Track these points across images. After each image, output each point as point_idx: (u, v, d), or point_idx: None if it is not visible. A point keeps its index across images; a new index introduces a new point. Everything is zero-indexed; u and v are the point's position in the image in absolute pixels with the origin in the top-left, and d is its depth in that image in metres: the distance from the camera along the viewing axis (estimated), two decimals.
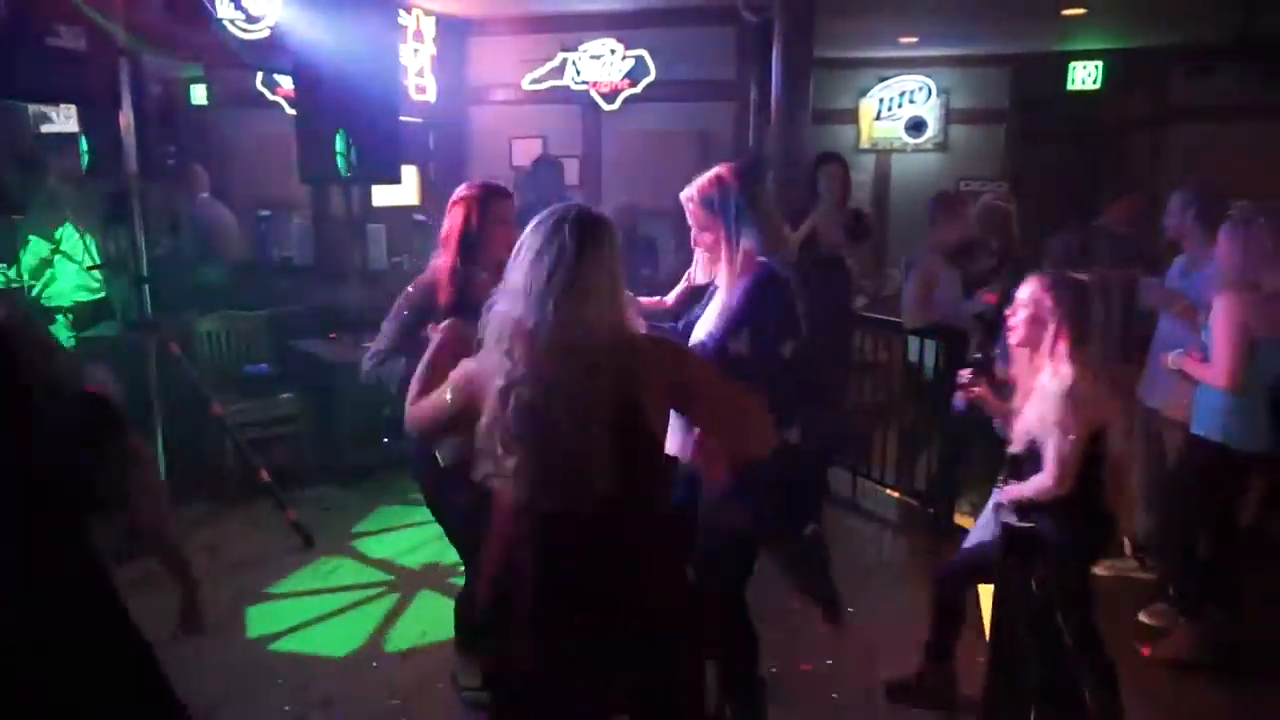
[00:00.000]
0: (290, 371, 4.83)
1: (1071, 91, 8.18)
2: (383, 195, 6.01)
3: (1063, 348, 2.26)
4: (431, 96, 6.94)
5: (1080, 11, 6.49)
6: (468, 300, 2.25)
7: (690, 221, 2.36)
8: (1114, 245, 4.19)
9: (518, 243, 1.55)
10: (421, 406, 1.72)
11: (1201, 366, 2.99)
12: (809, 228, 4.26)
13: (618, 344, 1.50)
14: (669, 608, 1.57)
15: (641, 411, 1.49)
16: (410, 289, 2.63)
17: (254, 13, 5.07)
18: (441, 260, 2.57)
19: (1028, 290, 2.38)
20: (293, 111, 5.16)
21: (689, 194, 2.34)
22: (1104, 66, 8.02)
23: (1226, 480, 3.07)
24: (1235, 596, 3.25)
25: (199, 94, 7.33)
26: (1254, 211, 2.97)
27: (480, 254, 2.51)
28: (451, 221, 2.57)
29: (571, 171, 6.80)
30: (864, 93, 8.79)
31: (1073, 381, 2.22)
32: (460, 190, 2.61)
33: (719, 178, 2.31)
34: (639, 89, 6.88)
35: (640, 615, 1.53)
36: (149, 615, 3.35)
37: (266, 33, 5.18)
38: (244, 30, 5.08)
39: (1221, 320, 2.87)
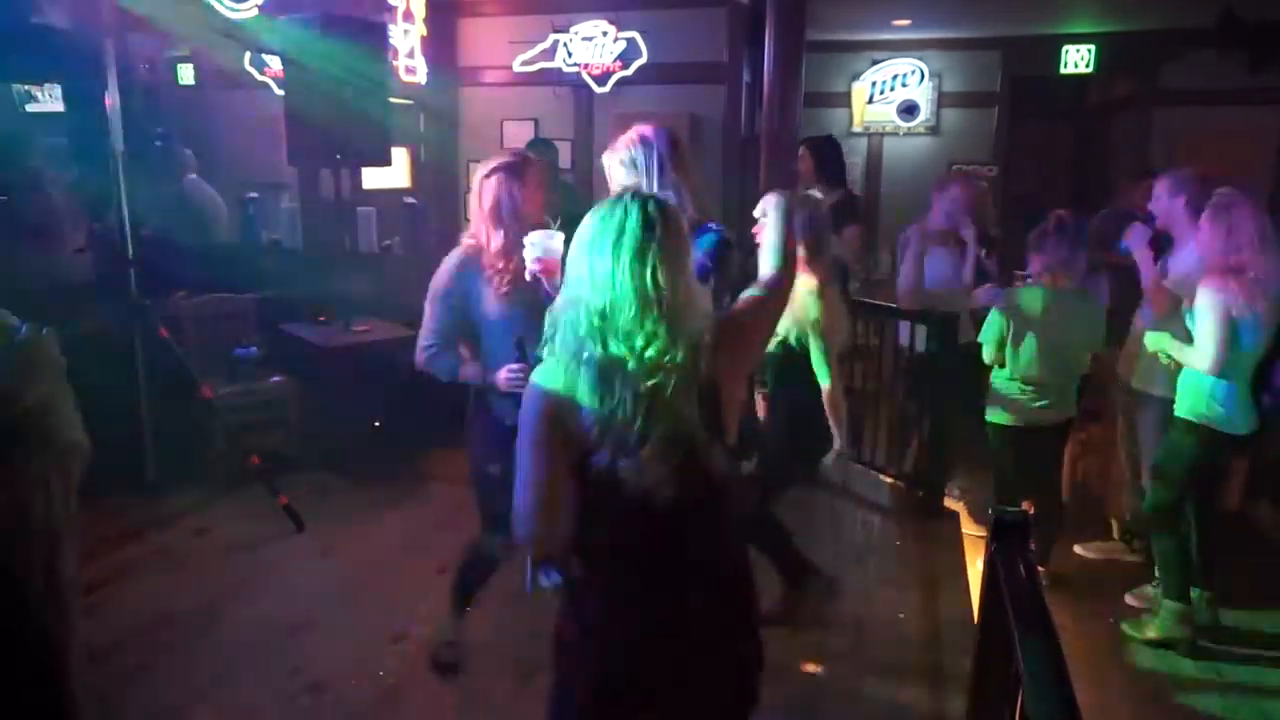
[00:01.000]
0: (279, 355, 4.81)
1: (1063, 74, 8.17)
2: (373, 178, 5.98)
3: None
4: (422, 78, 6.88)
5: None
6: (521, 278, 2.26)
7: (609, 182, 2.33)
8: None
9: (584, 229, 1.48)
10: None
11: (1186, 350, 3.01)
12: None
13: (707, 322, 1.49)
14: (749, 579, 1.64)
15: (722, 388, 1.49)
16: (445, 270, 2.51)
17: None
18: (486, 235, 2.47)
19: None
20: (281, 92, 5.11)
21: (610, 153, 2.36)
22: (1097, 49, 8.01)
23: (1209, 463, 3.10)
24: (1218, 578, 3.29)
25: (186, 74, 7.26)
26: (1236, 197, 2.98)
27: (525, 225, 2.41)
28: (494, 194, 2.46)
29: (563, 154, 6.76)
30: (856, 76, 8.76)
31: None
32: (494, 162, 2.52)
33: (641, 136, 2.30)
34: (631, 71, 6.83)
35: (745, 588, 1.60)
36: (153, 595, 3.38)
37: (255, 13, 5.13)
38: (232, 10, 5.02)
39: (1205, 304, 2.89)
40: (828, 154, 4.77)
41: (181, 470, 4.29)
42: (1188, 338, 3.02)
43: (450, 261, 2.50)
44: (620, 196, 1.47)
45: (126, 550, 3.71)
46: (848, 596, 3.43)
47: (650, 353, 1.39)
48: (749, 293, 1.65)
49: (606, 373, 1.40)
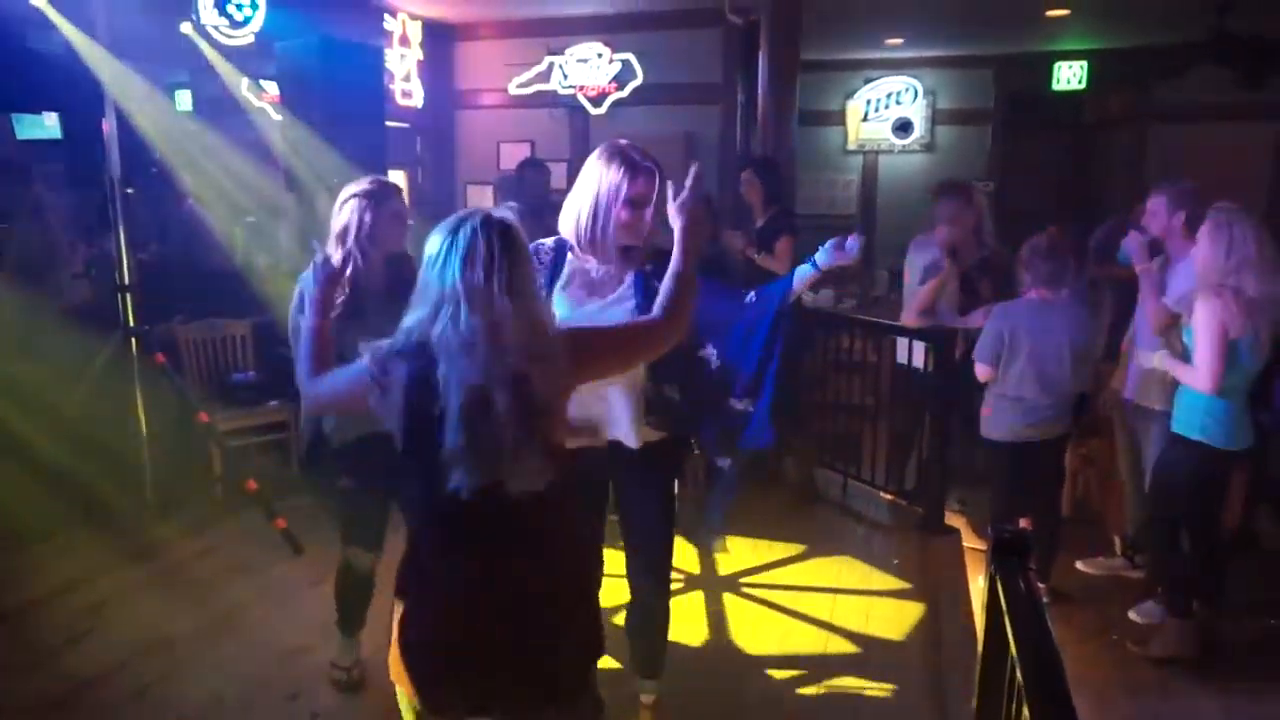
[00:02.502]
0: (277, 379, 4.81)
1: (1056, 91, 8.23)
2: None
3: None
4: (418, 101, 6.94)
5: (1064, 12, 6.54)
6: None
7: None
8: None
9: (432, 247, 1.55)
10: (333, 388, 1.74)
11: (1184, 368, 3.00)
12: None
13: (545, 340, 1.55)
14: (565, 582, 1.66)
15: (551, 401, 1.54)
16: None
17: (238, 19, 5.05)
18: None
19: None
20: (278, 117, 5.14)
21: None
22: (1088, 66, 8.07)
23: (1208, 479, 3.09)
24: (1221, 594, 3.27)
25: (184, 100, 7.29)
26: (1236, 212, 2.97)
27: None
28: (346, 218, 2.62)
29: (559, 175, 6.80)
30: (851, 94, 8.82)
31: None
32: (356, 187, 2.63)
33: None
34: (626, 92, 6.89)
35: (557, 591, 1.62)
36: (152, 618, 3.35)
37: (251, 38, 5.17)
38: (228, 37, 5.06)
39: (1203, 322, 2.88)
40: (769, 174, 4.81)
41: (180, 495, 4.27)
42: (1185, 354, 3.02)
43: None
44: (462, 216, 1.56)
45: (125, 574, 3.69)
46: (850, 614, 3.42)
47: (470, 358, 1.46)
48: (633, 321, 1.74)
49: (424, 374, 1.49)
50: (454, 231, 1.53)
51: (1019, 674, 1.32)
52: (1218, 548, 3.29)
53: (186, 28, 4.86)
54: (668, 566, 2.51)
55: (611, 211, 2.13)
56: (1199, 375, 2.91)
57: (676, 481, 2.60)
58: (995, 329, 3.42)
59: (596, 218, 2.15)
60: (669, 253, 1.92)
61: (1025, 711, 1.29)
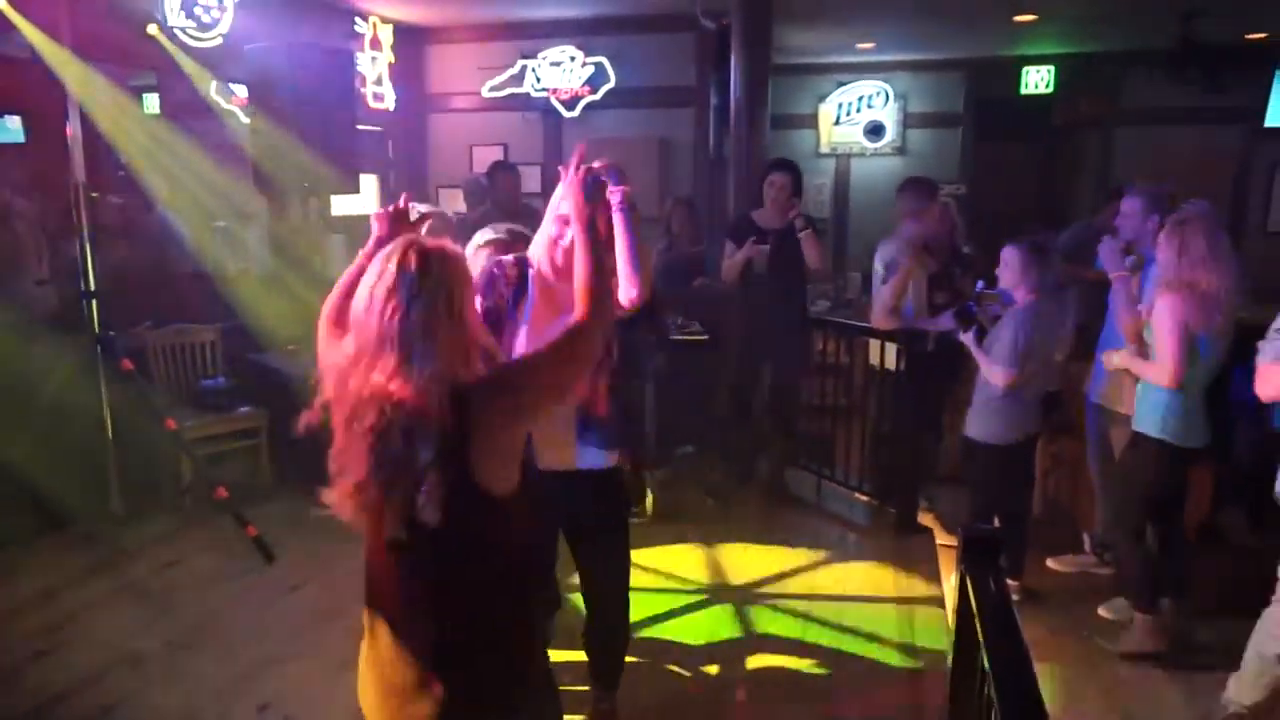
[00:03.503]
0: (248, 385, 4.76)
1: (1025, 95, 8.34)
2: (342, 205, 5.95)
3: None
4: (390, 104, 6.89)
5: (1031, 18, 6.63)
6: None
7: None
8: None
9: (370, 274, 1.49)
10: None
11: (1145, 365, 3.06)
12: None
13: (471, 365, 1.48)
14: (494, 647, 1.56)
15: (477, 432, 1.45)
16: None
17: (206, 21, 4.99)
18: None
19: None
20: (248, 121, 5.09)
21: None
22: (1055, 70, 8.18)
23: (1170, 476, 3.14)
24: (1188, 589, 3.32)
25: (151, 103, 7.19)
26: (1190, 213, 3.04)
27: None
28: None
29: (533, 179, 6.78)
30: (823, 98, 8.88)
31: None
32: None
33: None
34: (599, 96, 6.89)
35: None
36: (120, 630, 3.30)
37: (219, 41, 5.11)
38: (196, 39, 5.00)
39: (1163, 320, 2.94)
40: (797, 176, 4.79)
41: (148, 503, 4.22)
42: (1147, 353, 3.07)
43: None
44: (396, 245, 1.49)
45: (92, 585, 3.63)
46: (826, 612, 3.43)
47: (374, 383, 1.41)
48: (555, 336, 1.59)
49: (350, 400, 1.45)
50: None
51: (989, 670, 1.34)
52: (1183, 544, 3.35)
53: (153, 29, 4.79)
54: (627, 587, 2.53)
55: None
56: (1160, 370, 2.96)
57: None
58: (1015, 333, 3.41)
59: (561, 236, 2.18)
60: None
61: (994, 709, 1.30)
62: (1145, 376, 3.07)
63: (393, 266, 1.44)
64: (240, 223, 6.38)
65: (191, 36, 4.98)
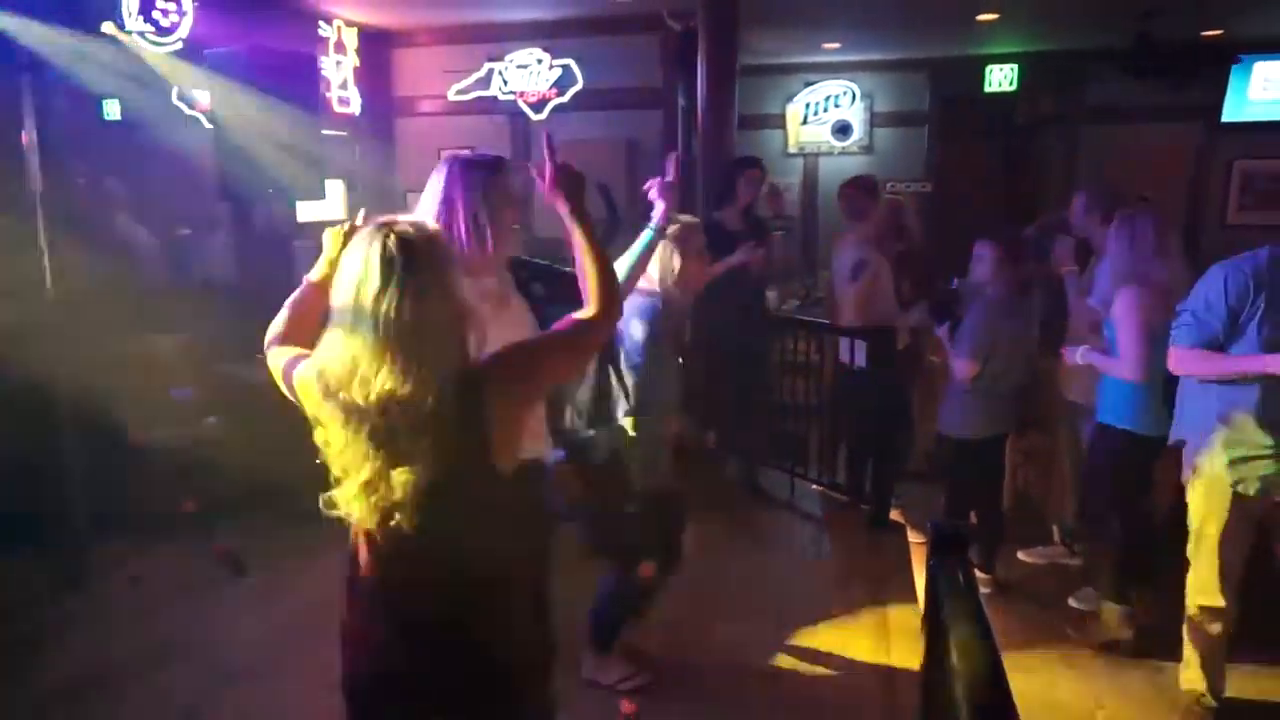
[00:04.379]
0: (216, 396, 4.69)
1: (989, 93, 8.44)
2: (308, 211, 5.89)
3: None
4: (356, 109, 6.84)
5: (993, 17, 6.70)
6: None
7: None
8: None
9: (351, 271, 1.43)
10: None
11: (1109, 360, 3.11)
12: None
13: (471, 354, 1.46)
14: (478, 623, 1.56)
15: (490, 421, 1.45)
16: None
17: (165, 25, 4.92)
18: None
19: None
20: (211, 126, 5.02)
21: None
22: (1019, 69, 8.29)
23: (1134, 467, 3.20)
24: (1154, 578, 3.37)
25: (112, 109, 7.08)
26: (1139, 210, 3.14)
27: None
28: None
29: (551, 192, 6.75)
30: (790, 98, 8.93)
31: None
32: None
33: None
34: (567, 98, 6.87)
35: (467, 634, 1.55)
36: (87, 649, 3.24)
37: (179, 45, 5.04)
38: (155, 43, 4.92)
39: (1122, 314, 3.00)
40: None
41: (113, 519, 4.13)
42: (1108, 347, 3.12)
43: None
44: (373, 229, 1.43)
45: (58, 607, 3.56)
46: (800, 611, 3.45)
47: (378, 388, 1.36)
48: (562, 323, 1.59)
49: (347, 407, 1.41)
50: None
51: (957, 663, 1.35)
52: (1150, 533, 3.40)
53: (109, 27, 4.68)
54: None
55: (498, 218, 2.04)
56: (1125, 365, 3.01)
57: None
58: (979, 326, 3.46)
59: (482, 230, 2.03)
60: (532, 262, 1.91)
61: (963, 699, 1.32)
62: (1109, 371, 3.12)
63: (376, 260, 1.38)
64: (204, 230, 6.30)
65: (151, 41, 4.91)
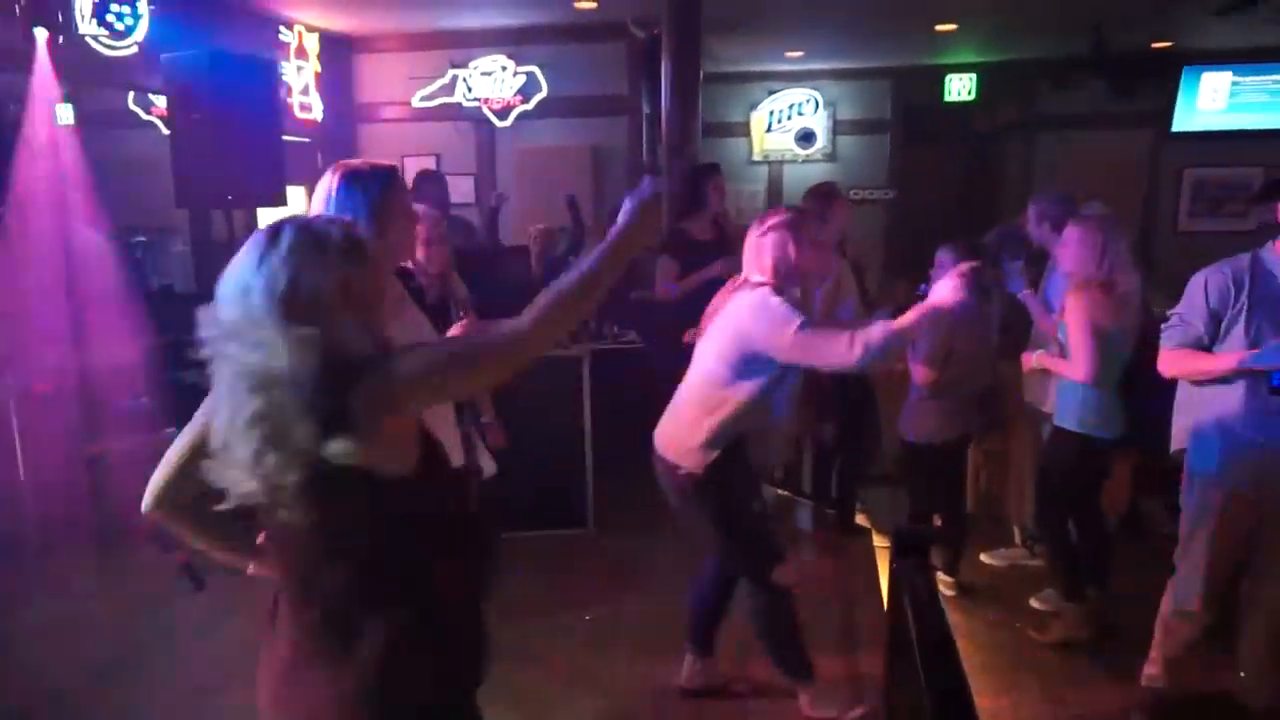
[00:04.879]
0: (174, 405, 4.59)
1: (949, 102, 8.58)
2: (268, 218, 5.81)
3: None
4: (318, 115, 6.77)
5: (951, 27, 6.82)
6: None
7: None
8: (1020, 246, 4.48)
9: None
10: None
11: (1062, 363, 3.17)
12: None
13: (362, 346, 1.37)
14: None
15: (371, 418, 1.35)
16: None
17: (119, 29, 4.83)
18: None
19: None
20: (168, 131, 4.94)
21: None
22: (977, 79, 8.44)
23: (1089, 468, 3.26)
24: (1109, 577, 3.43)
25: (65, 113, 6.93)
26: (1095, 215, 3.21)
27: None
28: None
29: (467, 188, 6.73)
30: (754, 106, 9.00)
31: None
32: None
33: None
34: (531, 105, 6.87)
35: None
36: (43, 668, 3.15)
37: (135, 49, 4.95)
38: (109, 47, 4.83)
39: (1073, 318, 3.06)
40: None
41: (69, 533, 4.04)
42: (1062, 351, 3.19)
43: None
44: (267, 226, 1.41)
45: (11, 622, 3.47)
46: None
47: (262, 365, 1.32)
48: (463, 341, 1.48)
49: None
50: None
51: (920, 666, 1.36)
52: (1104, 533, 3.47)
53: (40, 34, 4.54)
54: None
55: (386, 229, 2.00)
56: (1077, 367, 3.07)
57: None
58: (935, 332, 3.49)
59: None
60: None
61: (926, 699, 1.33)
62: (1063, 374, 3.19)
63: (255, 240, 1.38)
64: (162, 238, 6.20)
65: (105, 45, 4.81)
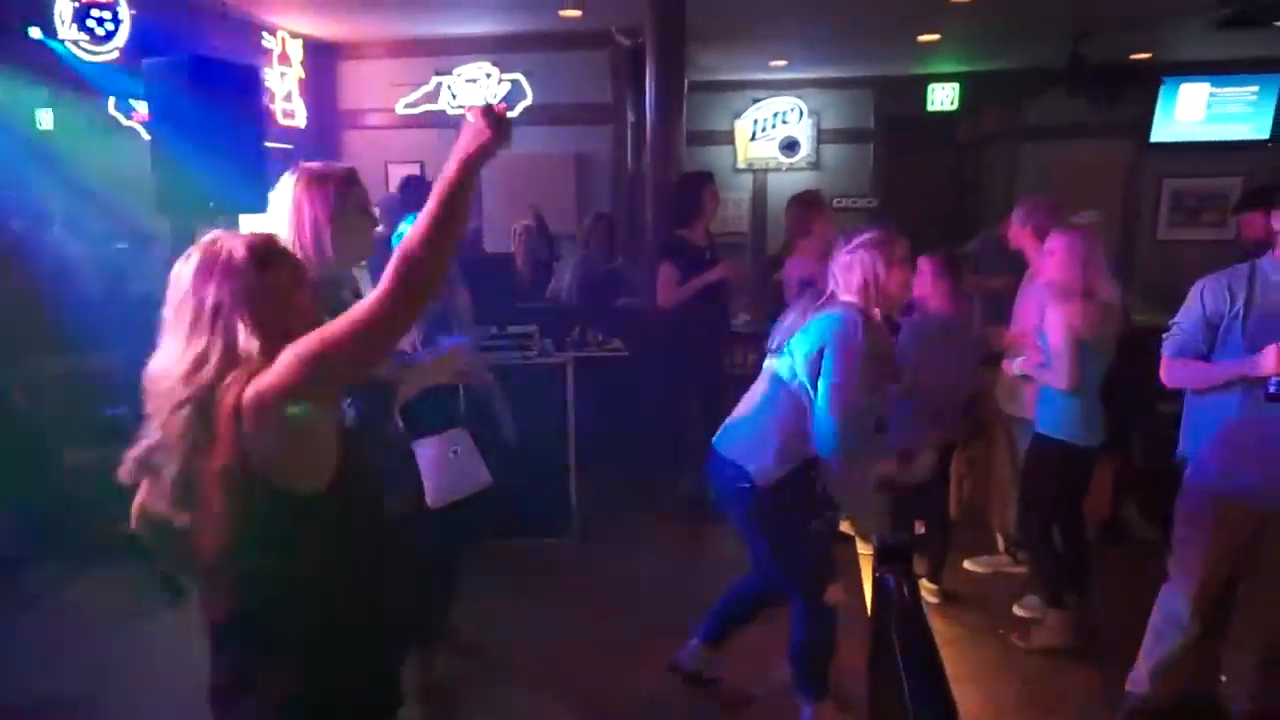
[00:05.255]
0: None
1: (931, 111, 8.64)
2: (251, 226, 5.77)
3: None
4: (301, 121, 6.74)
5: (934, 37, 6.88)
6: None
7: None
8: (1002, 254, 4.53)
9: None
10: None
11: (1043, 370, 3.19)
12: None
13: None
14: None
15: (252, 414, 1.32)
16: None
17: (99, 34, 4.79)
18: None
19: None
20: (149, 138, 4.90)
21: None
22: (960, 88, 8.51)
23: (1071, 474, 3.28)
24: (1091, 583, 3.45)
25: (44, 119, 6.87)
26: (1077, 225, 3.24)
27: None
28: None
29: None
30: (739, 114, 9.03)
31: None
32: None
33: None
34: (516, 112, 6.85)
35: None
36: (20, 685, 3.10)
37: (116, 55, 4.92)
38: (90, 53, 4.80)
39: (1054, 326, 3.09)
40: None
41: (46, 545, 3.98)
42: (1042, 358, 3.21)
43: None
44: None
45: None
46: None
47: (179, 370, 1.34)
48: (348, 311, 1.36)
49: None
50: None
51: (903, 673, 1.36)
52: (1086, 540, 3.48)
53: (36, 32, 4.54)
54: None
55: (342, 227, 2.12)
56: (1059, 375, 3.09)
57: None
58: (905, 342, 3.51)
59: (321, 238, 2.12)
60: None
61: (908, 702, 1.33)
62: (1043, 381, 3.21)
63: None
64: (143, 244, 6.13)
65: (85, 50, 4.78)
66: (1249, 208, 4.05)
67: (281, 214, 2.08)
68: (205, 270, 1.38)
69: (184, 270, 1.40)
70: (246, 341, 1.33)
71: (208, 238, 1.42)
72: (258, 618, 1.42)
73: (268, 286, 1.38)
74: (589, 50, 6.69)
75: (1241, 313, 2.51)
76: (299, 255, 1.95)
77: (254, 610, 1.42)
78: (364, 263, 2.47)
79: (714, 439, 2.75)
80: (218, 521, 1.32)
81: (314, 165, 2.13)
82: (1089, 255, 3.11)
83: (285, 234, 2.06)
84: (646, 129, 5.37)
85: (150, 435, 1.37)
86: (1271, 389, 2.40)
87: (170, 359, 1.36)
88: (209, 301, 1.36)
